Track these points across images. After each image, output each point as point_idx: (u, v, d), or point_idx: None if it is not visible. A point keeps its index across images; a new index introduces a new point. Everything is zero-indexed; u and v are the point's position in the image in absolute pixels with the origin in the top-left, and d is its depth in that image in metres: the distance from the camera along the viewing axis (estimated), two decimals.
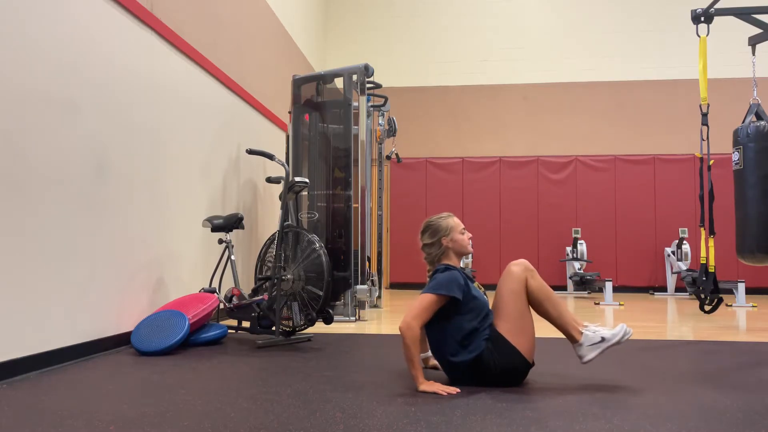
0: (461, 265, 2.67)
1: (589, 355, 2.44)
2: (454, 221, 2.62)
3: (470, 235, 2.67)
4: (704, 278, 4.89)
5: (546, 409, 2.09)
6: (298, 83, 5.43)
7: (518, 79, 9.61)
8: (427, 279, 2.59)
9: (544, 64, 9.58)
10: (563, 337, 2.55)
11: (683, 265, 8.37)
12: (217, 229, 4.28)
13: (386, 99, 6.66)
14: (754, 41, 4.97)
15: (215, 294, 3.96)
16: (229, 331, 3.99)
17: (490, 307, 2.53)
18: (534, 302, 2.47)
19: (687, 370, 2.88)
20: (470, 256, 8.61)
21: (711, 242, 4.84)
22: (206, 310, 3.66)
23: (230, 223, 4.30)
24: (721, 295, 4.96)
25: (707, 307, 5.10)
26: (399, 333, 2.34)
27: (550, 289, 2.49)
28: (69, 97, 3.02)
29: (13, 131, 2.64)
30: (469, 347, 2.44)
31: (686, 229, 8.72)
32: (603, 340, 2.43)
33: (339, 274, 4.99)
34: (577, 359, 2.50)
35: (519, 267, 2.48)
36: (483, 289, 2.62)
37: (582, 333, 2.45)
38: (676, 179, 9.22)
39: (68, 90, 3.01)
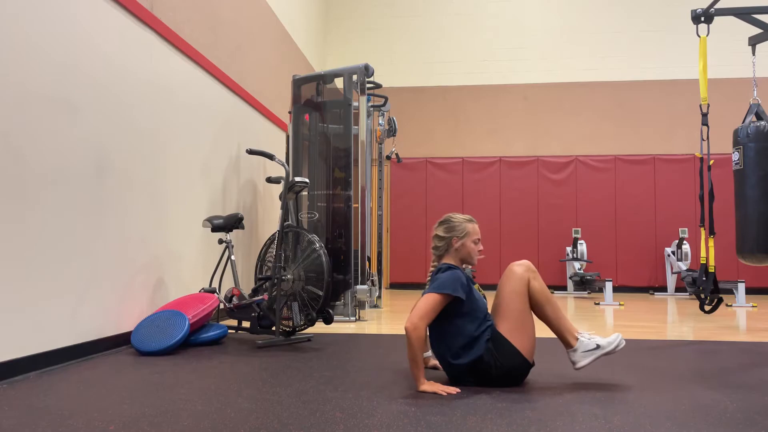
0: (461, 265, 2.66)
1: (583, 361, 2.45)
2: (474, 228, 2.62)
3: (482, 248, 2.66)
4: (704, 278, 4.89)
5: (546, 409, 2.09)
6: (298, 83, 5.43)
7: (518, 79, 9.61)
8: (428, 278, 2.59)
9: (544, 64, 9.58)
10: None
11: (683, 265, 8.37)
12: (217, 229, 4.28)
13: (386, 99, 6.66)
14: (754, 41, 4.97)
15: (215, 294, 3.96)
16: (229, 331, 3.99)
17: (489, 308, 2.53)
18: (534, 304, 2.47)
19: (687, 370, 2.88)
20: None
21: (711, 242, 4.84)
22: (206, 310, 3.66)
23: (230, 223, 4.30)
24: (721, 295, 4.96)
25: (707, 307, 5.10)
26: (403, 332, 2.33)
27: (550, 293, 2.51)
28: (69, 97, 3.02)
29: (13, 131, 2.64)
30: (470, 350, 2.44)
31: (686, 229, 8.73)
32: (598, 347, 2.45)
33: (339, 274, 4.99)
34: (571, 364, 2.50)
35: (521, 267, 2.48)
36: (482, 291, 2.62)
37: (577, 339, 2.46)
38: (676, 179, 9.22)
39: (68, 90, 3.01)
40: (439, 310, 2.38)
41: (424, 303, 2.36)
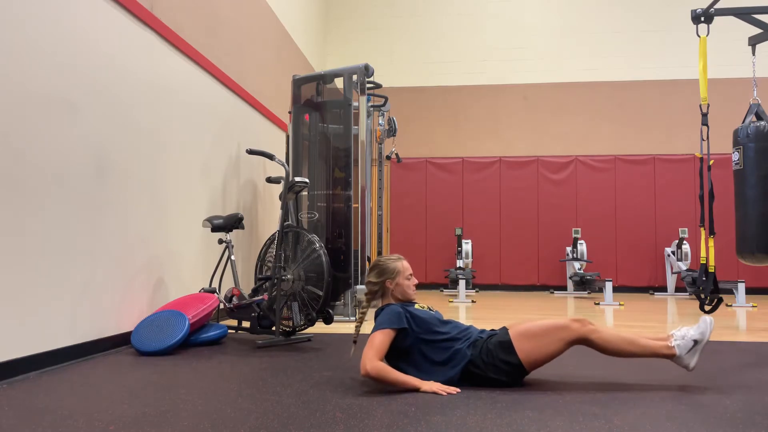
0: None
1: (692, 361, 2.44)
2: (403, 265, 2.67)
3: (416, 281, 2.71)
4: (704, 278, 4.89)
5: (546, 409, 2.09)
6: (298, 83, 5.43)
7: (518, 79, 9.61)
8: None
9: (544, 64, 9.58)
10: None
11: (683, 265, 8.37)
12: (217, 229, 4.28)
13: (386, 99, 6.65)
14: (754, 41, 4.97)
15: (215, 294, 3.96)
16: (229, 331, 3.99)
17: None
18: (612, 352, 2.45)
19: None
20: (470, 256, 8.61)
21: (711, 242, 4.84)
22: (206, 310, 3.66)
23: (230, 223, 4.30)
24: (721, 295, 4.96)
25: (707, 307, 5.10)
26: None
27: (619, 333, 2.47)
28: (69, 97, 3.02)
29: (13, 131, 2.64)
30: (455, 359, 2.45)
31: (686, 229, 8.72)
32: (696, 342, 2.44)
33: (339, 274, 4.99)
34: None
35: (578, 325, 2.42)
36: (425, 306, 2.64)
37: (674, 346, 2.44)
38: (676, 179, 9.22)
39: (68, 90, 3.01)
40: (387, 344, 2.43)
41: (370, 343, 2.42)
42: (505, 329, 2.49)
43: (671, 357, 2.45)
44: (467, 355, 2.43)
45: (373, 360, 2.35)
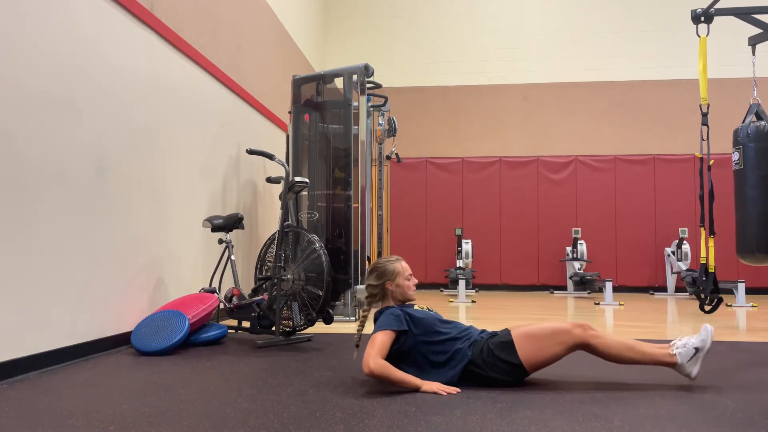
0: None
1: (694, 369, 2.43)
2: (402, 266, 2.68)
3: (416, 281, 2.72)
4: (704, 278, 4.89)
5: (546, 409, 2.09)
6: (298, 83, 5.43)
7: (518, 79, 9.61)
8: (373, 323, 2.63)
9: (544, 64, 9.58)
10: None
11: (683, 265, 8.37)
12: (217, 229, 4.28)
13: (386, 99, 6.66)
14: (754, 41, 4.97)
15: (215, 294, 3.96)
16: (229, 331, 3.99)
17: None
18: (613, 358, 2.44)
19: None
20: (470, 256, 8.61)
21: (711, 242, 4.84)
22: (206, 310, 3.66)
23: (230, 223, 4.30)
24: (721, 295, 4.96)
25: (707, 307, 5.10)
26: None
27: (621, 339, 2.46)
28: (69, 97, 3.02)
29: (13, 131, 2.64)
30: (454, 359, 2.46)
31: (686, 229, 8.72)
32: (697, 350, 2.43)
33: (339, 274, 4.99)
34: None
35: (580, 330, 2.43)
36: (424, 307, 2.66)
37: (675, 354, 2.44)
38: (676, 179, 9.22)
39: (68, 90, 3.01)
40: (388, 345, 2.43)
41: (372, 343, 2.42)
42: (507, 330, 2.50)
43: (673, 365, 2.44)
44: (468, 355, 2.44)
45: (375, 358, 2.35)
